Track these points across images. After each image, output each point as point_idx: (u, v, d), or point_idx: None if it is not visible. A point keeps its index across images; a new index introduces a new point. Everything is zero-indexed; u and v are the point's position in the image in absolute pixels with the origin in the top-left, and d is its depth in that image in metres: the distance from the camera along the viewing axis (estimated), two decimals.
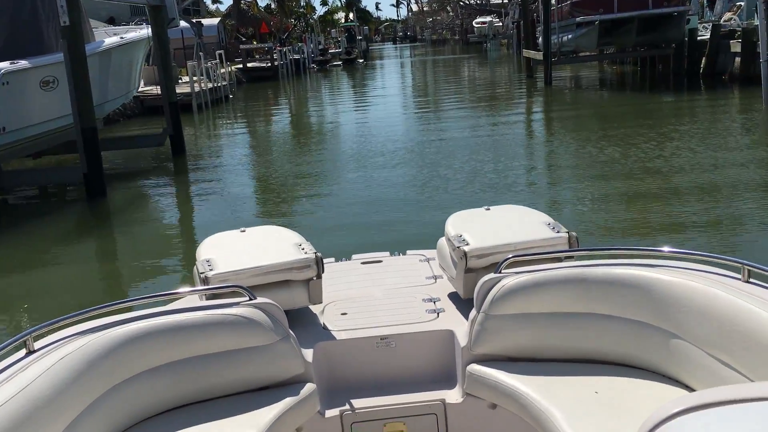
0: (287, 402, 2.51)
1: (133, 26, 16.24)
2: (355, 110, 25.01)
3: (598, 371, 2.60)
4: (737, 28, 22.03)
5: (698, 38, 23.72)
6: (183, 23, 41.14)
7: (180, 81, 29.54)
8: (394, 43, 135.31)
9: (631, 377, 2.54)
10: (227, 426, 2.39)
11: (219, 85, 28.37)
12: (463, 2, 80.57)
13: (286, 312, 2.75)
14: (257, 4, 58.15)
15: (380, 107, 24.60)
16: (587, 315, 2.64)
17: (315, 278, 2.97)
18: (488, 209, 3.33)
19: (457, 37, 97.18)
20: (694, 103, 20.11)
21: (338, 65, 55.89)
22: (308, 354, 2.74)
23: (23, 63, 11.72)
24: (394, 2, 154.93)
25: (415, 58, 67.53)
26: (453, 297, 3.20)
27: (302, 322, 3.01)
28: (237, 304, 2.62)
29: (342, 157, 14.24)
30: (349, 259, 3.84)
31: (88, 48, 13.37)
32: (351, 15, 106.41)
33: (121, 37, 14.26)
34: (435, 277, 3.47)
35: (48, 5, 12.19)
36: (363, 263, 3.76)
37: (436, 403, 2.79)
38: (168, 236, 9.85)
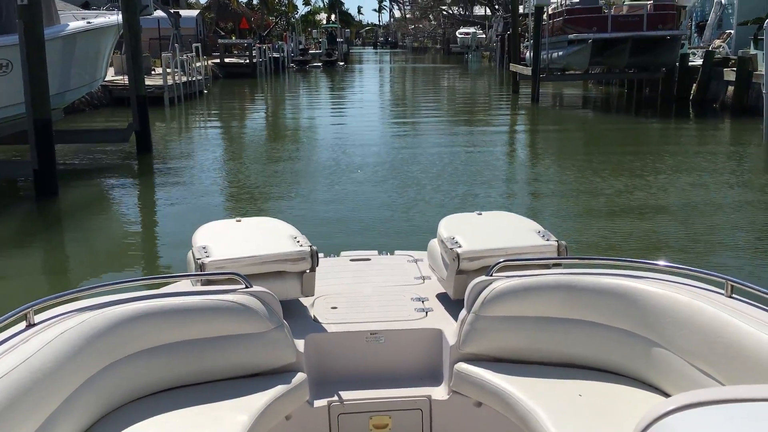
0: (278, 390, 2.56)
1: (104, 11, 15.02)
2: (333, 114, 24.06)
3: (582, 376, 2.66)
4: (731, 56, 21.60)
5: (689, 64, 23.26)
6: (159, 12, 39.86)
7: (153, 72, 28.33)
8: (375, 47, 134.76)
9: (615, 383, 2.60)
10: (219, 410, 2.43)
11: (194, 79, 27.16)
12: (447, 12, 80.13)
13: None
14: None
15: (359, 113, 23.68)
16: (574, 321, 2.71)
17: (309, 271, 3.01)
18: (480, 214, 3.39)
19: (438, 46, 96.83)
20: (683, 128, 19.60)
21: (318, 66, 54.89)
22: (300, 344, 2.77)
23: None
24: (377, 7, 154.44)
25: (395, 64, 66.79)
26: (441, 297, 3.25)
27: (294, 314, 3.04)
28: (233, 290, 2.64)
29: (316, 162, 13.35)
30: (338, 256, 3.88)
31: (50, 31, 12.27)
32: (333, 17, 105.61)
33: (89, 22, 13.11)
34: (423, 278, 3.52)
35: None
36: (352, 260, 3.81)
37: (422, 399, 2.85)
38: (123, 244, 8.78)
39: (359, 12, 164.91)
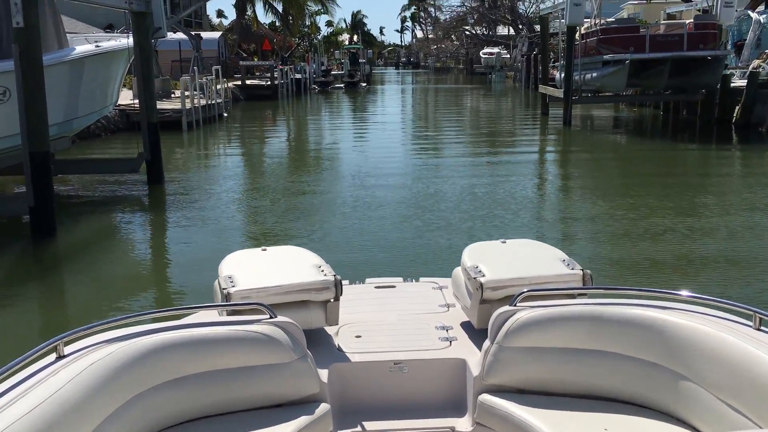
0: (302, 421, 2.57)
1: (117, 34, 14.25)
2: (356, 138, 23.16)
3: (608, 408, 2.62)
4: None
5: (731, 85, 22.04)
6: (181, 35, 39.54)
7: (173, 95, 27.71)
8: (397, 68, 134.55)
9: (641, 416, 2.56)
10: None
11: (213, 102, 26.44)
12: (469, 32, 79.33)
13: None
14: (257, 19, 56.53)
15: (382, 137, 22.72)
16: (599, 352, 2.68)
17: (333, 300, 3.03)
18: (504, 242, 3.39)
19: (461, 66, 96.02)
20: (727, 154, 18.43)
21: (340, 88, 54.28)
22: (323, 374, 2.79)
23: None
24: (399, 27, 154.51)
25: (418, 85, 66.04)
26: (466, 326, 3.24)
27: (318, 343, 3.05)
28: (258, 321, 2.68)
29: (340, 190, 12.44)
30: (363, 283, 3.89)
31: (57, 55, 11.53)
32: (355, 37, 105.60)
33: (98, 45, 12.32)
34: (448, 306, 3.51)
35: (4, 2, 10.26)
36: (376, 287, 3.82)
37: (445, 430, 2.83)
38: (128, 292, 7.83)
39: (381, 33, 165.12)
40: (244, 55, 55.14)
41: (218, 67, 28.72)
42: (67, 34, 16.26)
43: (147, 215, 11.57)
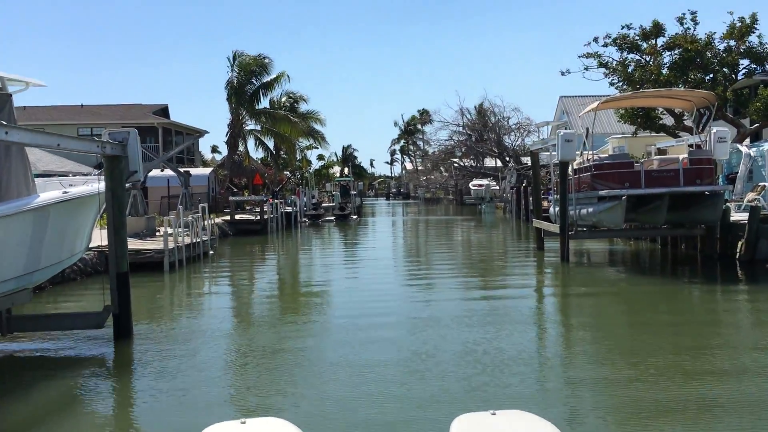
0: None
1: (93, 177, 13.49)
2: (347, 279, 22.13)
3: None
4: None
5: (731, 220, 21.47)
6: (169, 171, 39.44)
7: (158, 233, 26.93)
8: (387, 198, 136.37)
9: None
10: None
11: (198, 240, 25.61)
12: (458, 164, 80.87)
13: None
14: (249, 155, 57.15)
15: (372, 278, 21.68)
16: None
17: None
18: (494, 414, 3.35)
19: (451, 197, 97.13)
20: (734, 293, 17.42)
21: (331, 220, 54.03)
22: None
23: None
24: (389, 159, 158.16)
25: (408, 216, 66.07)
26: None
27: None
28: None
29: (327, 354, 11.15)
30: None
31: (18, 204, 10.66)
32: (346, 170, 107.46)
33: (65, 192, 11.50)
34: None
35: None
36: None
37: None
38: None
39: (371, 165, 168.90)
40: (235, 189, 55.28)
41: (204, 204, 28.13)
42: (42, 178, 15.60)
43: (108, 382, 10.18)
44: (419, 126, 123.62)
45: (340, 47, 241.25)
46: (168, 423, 8.23)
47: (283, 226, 44.40)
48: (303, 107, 60.74)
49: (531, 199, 39.36)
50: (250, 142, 57.36)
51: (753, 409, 8.05)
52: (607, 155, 23.27)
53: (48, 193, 11.26)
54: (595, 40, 34.32)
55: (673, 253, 24.71)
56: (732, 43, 32.78)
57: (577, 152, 23.43)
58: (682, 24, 33.43)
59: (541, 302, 17.06)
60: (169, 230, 23.69)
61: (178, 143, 53.76)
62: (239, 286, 21.05)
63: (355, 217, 57.91)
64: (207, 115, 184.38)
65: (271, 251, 33.09)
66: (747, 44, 32.63)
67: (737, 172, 28.67)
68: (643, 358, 10.24)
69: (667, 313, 14.69)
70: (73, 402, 9.25)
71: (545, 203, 30.78)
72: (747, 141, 32.68)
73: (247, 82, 50.35)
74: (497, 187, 69.98)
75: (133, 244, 24.49)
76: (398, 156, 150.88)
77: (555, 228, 23.22)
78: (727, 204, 23.44)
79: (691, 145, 23.18)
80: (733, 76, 33.14)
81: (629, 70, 33.60)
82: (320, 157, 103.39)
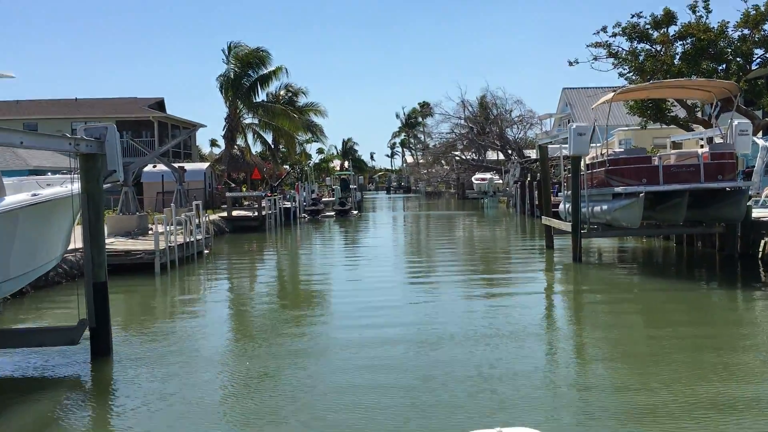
0: None
1: (66, 177, 12.31)
2: (348, 279, 21.03)
3: None
4: None
5: (752, 217, 20.33)
6: (162, 167, 38.26)
7: (150, 233, 25.79)
8: (388, 192, 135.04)
9: None
10: None
11: (192, 240, 24.46)
12: (459, 157, 79.54)
13: None
14: (250, 150, 55.94)
15: (372, 278, 20.50)
16: None
17: None
18: (502, 431, 3.28)
19: (452, 191, 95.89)
20: (758, 296, 16.27)
21: (331, 216, 52.92)
22: None
23: None
24: (389, 153, 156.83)
25: (410, 211, 64.86)
26: None
27: None
28: None
29: (326, 368, 10.07)
30: None
31: None
32: (346, 164, 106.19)
33: (34, 195, 10.35)
34: None
35: None
36: None
37: None
38: None
39: (372, 158, 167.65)
40: (232, 185, 54.11)
41: (198, 202, 26.97)
42: (19, 177, 14.45)
43: (82, 410, 9.05)
44: (420, 119, 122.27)
45: (340, 39, 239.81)
46: None
47: (281, 222, 43.29)
48: (302, 100, 59.59)
49: (537, 194, 38.25)
50: (249, 136, 56.22)
51: None
52: (622, 150, 22.08)
53: (15, 196, 10.12)
54: (604, 29, 33.11)
55: (690, 251, 23.57)
56: (746, 31, 31.53)
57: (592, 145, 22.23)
58: (694, 12, 32.17)
59: (553, 309, 15.93)
60: (161, 229, 22.56)
61: (176, 137, 52.51)
62: (234, 290, 19.89)
63: (355, 212, 56.80)
64: (206, 108, 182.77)
65: (269, 250, 31.95)
66: (762, 33, 31.40)
67: (753, 166, 27.56)
68: (666, 384, 9.02)
69: (691, 324, 13.52)
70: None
71: (553, 197, 29.64)
72: (760, 134, 31.52)
73: (244, 74, 49.10)
74: (500, 181, 68.78)
75: (123, 244, 23.39)
76: (399, 149, 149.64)
77: (566, 226, 22.08)
78: None
79: (703, 138, 22.00)
80: (748, 66, 31.94)
81: (640, 60, 32.38)
82: (320, 151, 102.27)
